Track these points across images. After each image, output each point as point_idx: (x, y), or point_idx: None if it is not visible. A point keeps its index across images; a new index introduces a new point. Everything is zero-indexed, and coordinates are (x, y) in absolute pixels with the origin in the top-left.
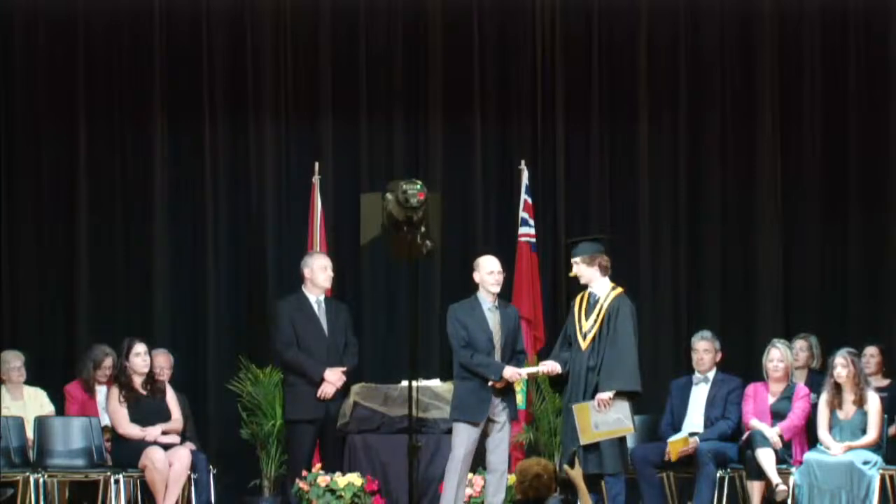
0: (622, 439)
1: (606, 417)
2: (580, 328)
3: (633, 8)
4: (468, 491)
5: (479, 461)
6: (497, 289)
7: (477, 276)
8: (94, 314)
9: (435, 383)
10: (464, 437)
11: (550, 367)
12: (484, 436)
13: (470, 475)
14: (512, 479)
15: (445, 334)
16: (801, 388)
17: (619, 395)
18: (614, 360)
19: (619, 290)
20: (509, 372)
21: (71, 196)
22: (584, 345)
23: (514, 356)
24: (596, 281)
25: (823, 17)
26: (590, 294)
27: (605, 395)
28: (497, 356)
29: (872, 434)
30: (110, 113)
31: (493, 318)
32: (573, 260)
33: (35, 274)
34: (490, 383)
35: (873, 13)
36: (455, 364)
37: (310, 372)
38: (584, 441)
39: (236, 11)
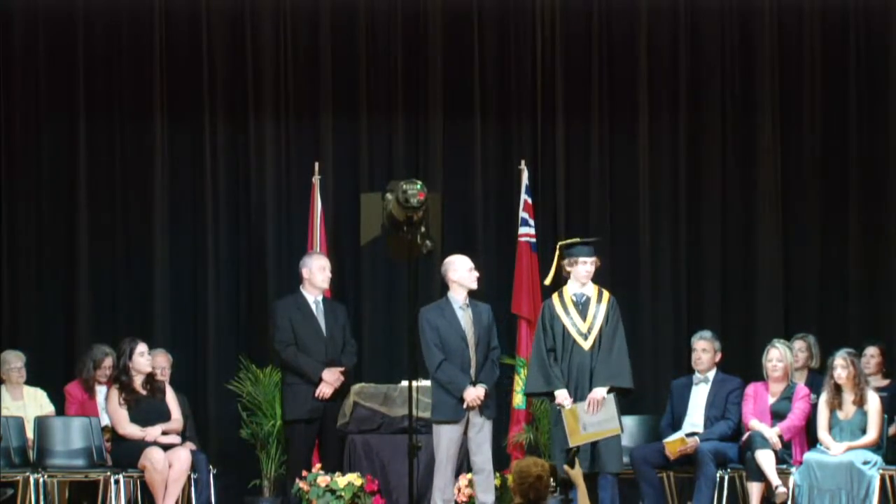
0: (618, 438)
1: (594, 418)
2: (577, 329)
3: (633, 8)
4: (468, 491)
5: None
6: (476, 285)
7: (454, 276)
8: (94, 314)
9: None
10: (444, 438)
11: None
12: (465, 437)
13: (469, 475)
14: (510, 478)
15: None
16: (801, 389)
17: (609, 392)
18: (612, 357)
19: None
20: (471, 395)
21: (71, 196)
22: (587, 345)
23: (489, 353)
24: (589, 281)
25: (823, 17)
26: (574, 294)
27: (599, 394)
28: (471, 355)
29: (872, 434)
30: (110, 113)
31: (465, 317)
32: (590, 259)
33: (35, 274)
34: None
35: (873, 13)
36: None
37: (308, 372)
38: (573, 443)
39: (236, 11)
